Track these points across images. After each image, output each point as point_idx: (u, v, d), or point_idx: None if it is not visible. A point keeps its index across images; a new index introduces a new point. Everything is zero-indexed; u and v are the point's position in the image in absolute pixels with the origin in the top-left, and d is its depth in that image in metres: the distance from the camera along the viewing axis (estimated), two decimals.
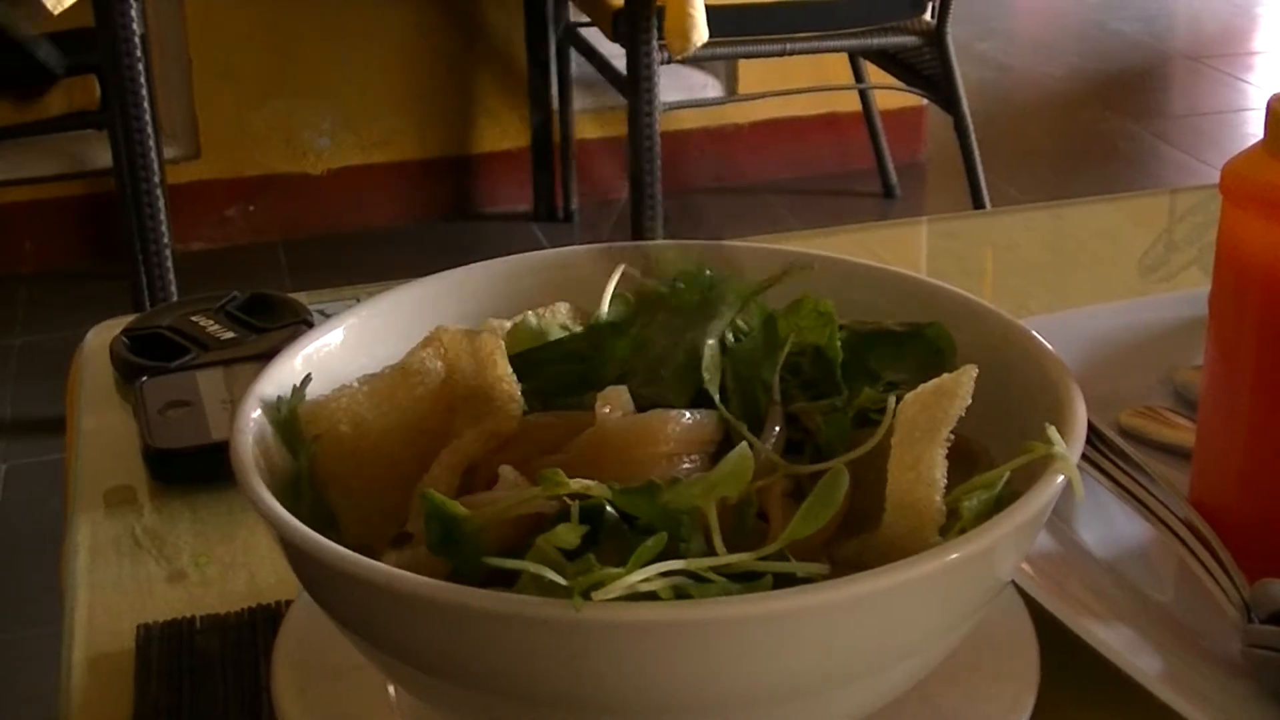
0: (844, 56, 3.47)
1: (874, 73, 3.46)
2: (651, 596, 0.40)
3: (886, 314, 0.53)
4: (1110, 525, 0.61)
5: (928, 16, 3.04)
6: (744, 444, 0.44)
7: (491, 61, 3.66)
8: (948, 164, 3.26)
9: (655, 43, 2.80)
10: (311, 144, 3.62)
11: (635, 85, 2.85)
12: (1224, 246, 0.58)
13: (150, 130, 2.73)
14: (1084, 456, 0.61)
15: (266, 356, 0.60)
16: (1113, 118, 4.16)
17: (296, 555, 0.45)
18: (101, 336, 0.85)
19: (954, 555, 0.41)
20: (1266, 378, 0.56)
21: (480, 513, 0.43)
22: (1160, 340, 0.75)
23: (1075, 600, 0.56)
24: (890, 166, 3.62)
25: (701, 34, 2.71)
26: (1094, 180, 3.67)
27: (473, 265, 0.60)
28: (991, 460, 0.49)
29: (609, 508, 0.42)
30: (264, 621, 0.60)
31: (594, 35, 3.24)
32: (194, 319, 0.83)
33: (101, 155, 3.10)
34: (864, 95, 3.58)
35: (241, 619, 0.61)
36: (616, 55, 3.02)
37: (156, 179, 2.79)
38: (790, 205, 3.62)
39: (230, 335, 0.81)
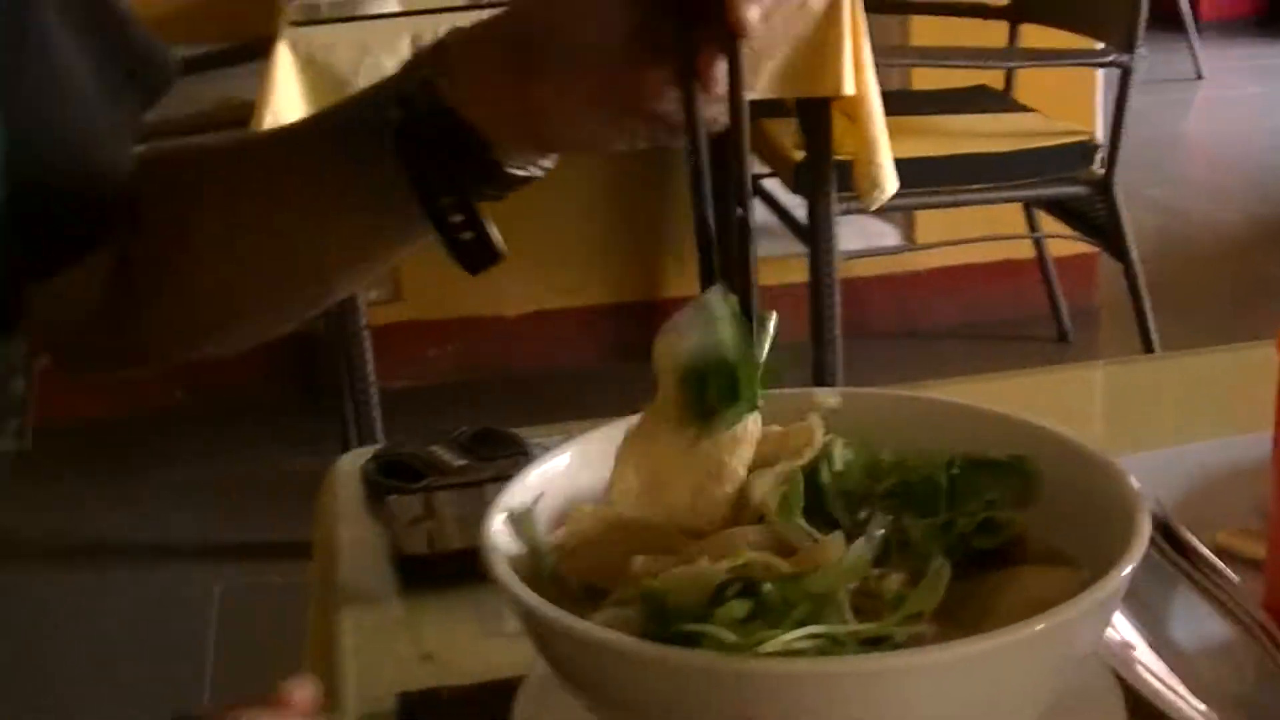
0: (1018, 204, 3.59)
1: (1046, 220, 3.57)
2: (801, 654, 0.54)
3: (1001, 447, 0.66)
4: (1199, 623, 0.74)
5: (1096, 167, 3.15)
6: (862, 543, 0.58)
7: (677, 211, 3.82)
8: (1121, 308, 3.35)
9: (835, 194, 2.93)
10: (507, 288, 3.80)
11: (815, 234, 2.99)
12: None
13: None
14: (1177, 566, 0.74)
15: (493, 480, 0.75)
16: None
17: (536, 623, 0.59)
18: (352, 462, 1.01)
19: (1039, 626, 0.54)
20: None
21: (680, 587, 0.57)
22: (1258, 471, 0.86)
23: (1164, 683, 0.68)
24: (1064, 311, 3.71)
25: (892, 184, 2.84)
26: (1266, 324, 3.71)
27: None
28: (1078, 562, 0.62)
29: (768, 586, 0.56)
30: (500, 692, 0.74)
31: (775, 185, 3.40)
32: (431, 449, 0.98)
33: None
34: (1037, 242, 3.69)
35: (483, 690, 0.75)
36: (797, 205, 3.17)
37: (362, 321, 2.98)
38: (967, 350, 3.72)
39: (462, 463, 0.97)
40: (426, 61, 0.78)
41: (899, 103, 3.32)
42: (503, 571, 0.60)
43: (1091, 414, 1.18)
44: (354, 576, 0.89)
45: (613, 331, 3.89)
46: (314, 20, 2.77)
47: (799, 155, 3.01)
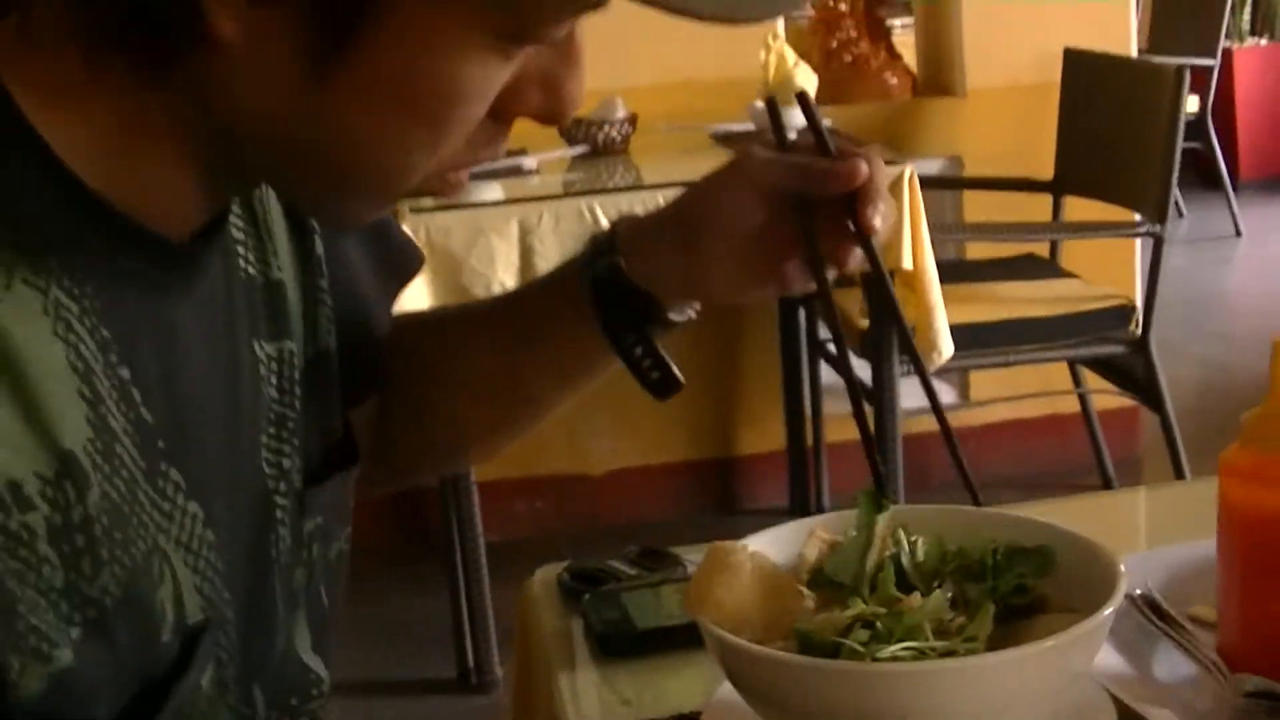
0: (1064, 363, 3.89)
1: (1091, 377, 3.87)
2: (902, 660, 0.86)
3: (1029, 540, 0.99)
4: (1173, 664, 1.05)
5: (1134, 327, 3.47)
6: (938, 594, 0.90)
7: (751, 374, 4.12)
8: (1161, 457, 3.63)
9: (896, 358, 3.26)
10: (591, 448, 4.10)
11: (879, 394, 3.29)
12: (1221, 505, 1.03)
13: None
14: (1159, 628, 1.05)
15: (661, 583, 1.09)
16: None
17: (731, 652, 0.91)
18: (545, 574, 1.33)
19: (1050, 643, 0.86)
20: (1239, 580, 1.01)
21: (821, 627, 0.89)
22: None
23: (1145, 700, 0.99)
24: (1108, 462, 3.98)
25: (948, 348, 3.16)
26: None
27: (805, 519, 1.06)
28: (1080, 611, 0.93)
29: (879, 623, 0.88)
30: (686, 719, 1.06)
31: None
32: (609, 563, 1.31)
33: None
34: (1082, 397, 3.98)
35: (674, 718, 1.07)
36: (861, 367, 3.48)
37: (473, 479, 3.30)
38: (1019, 499, 3.95)
39: (634, 573, 1.30)
40: (605, 246, 1.09)
41: (954, 272, 3.67)
42: (710, 627, 0.93)
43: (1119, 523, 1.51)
44: (561, 652, 1.21)
45: (692, 487, 4.17)
46: (431, 207, 3.13)
47: (864, 323, 3.33)
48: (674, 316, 1.10)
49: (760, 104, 3.71)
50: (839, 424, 4.05)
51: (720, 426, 4.18)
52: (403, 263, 1.19)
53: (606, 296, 1.09)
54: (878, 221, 1.01)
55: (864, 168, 1.01)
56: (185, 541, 0.87)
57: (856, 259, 1.04)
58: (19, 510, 0.75)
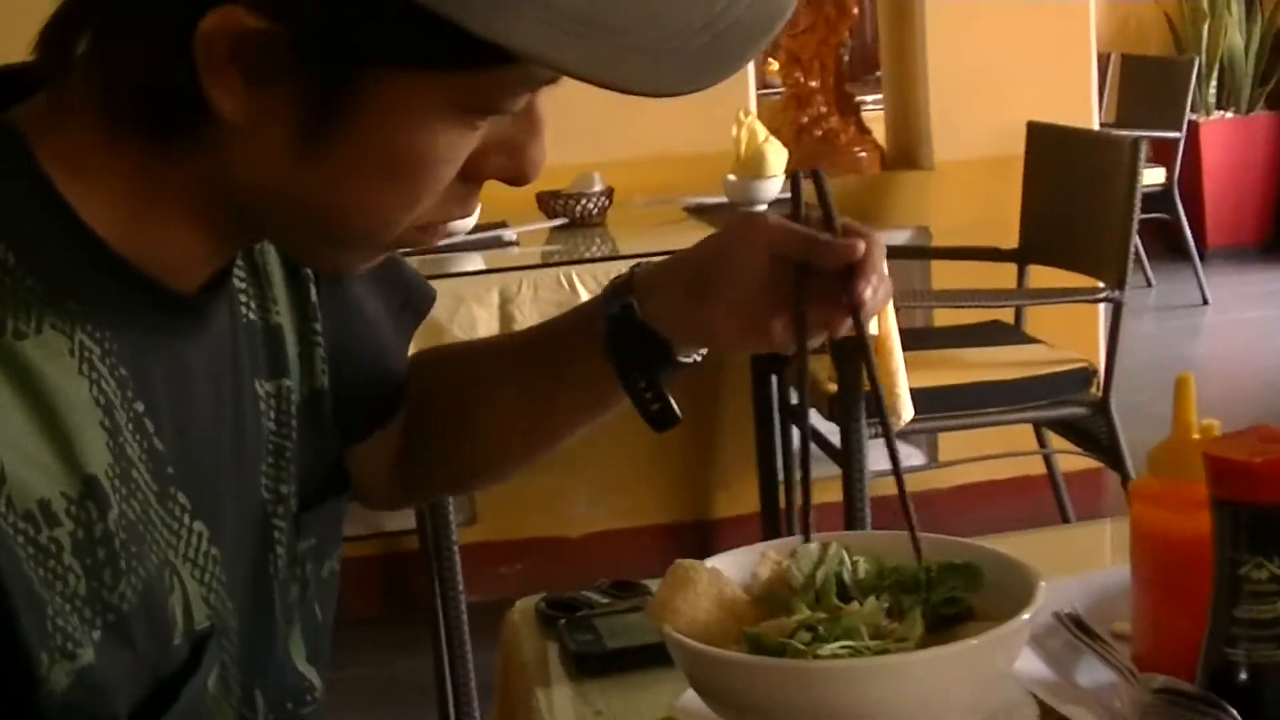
0: (1029, 426, 3.99)
1: (1058, 440, 3.97)
2: (840, 657, 0.96)
3: (959, 558, 1.09)
4: (1095, 673, 1.16)
5: (1095, 390, 3.57)
6: (872, 601, 1.01)
7: (725, 439, 4.22)
8: (1125, 516, 3.70)
9: (864, 421, 3.35)
10: (570, 511, 4.19)
11: (848, 457, 3.37)
12: (1132, 527, 1.14)
13: (448, 503, 3.31)
14: (1084, 642, 1.16)
15: (631, 610, 1.19)
16: None
17: (691, 655, 1.01)
18: (524, 604, 1.44)
19: (974, 643, 0.96)
20: (1148, 592, 1.12)
21: (769, 631, 0.99)
22: None
23: (1067, 701, 1.09)
24: (1074, 520, 4.04)
25: (909, 412, 3.25)
26: None
27: (754, 545, 1.17)
28: (1002, 620, 1.03)
29: (820, 627, 0.98)
30: None
31: (812, 415, 3.81)
32: (582, 593, 1.41)
33: (393, 520, 3.74)
34: (1047, 459, 4.08)
35: None
36: (832, 431, 3.57)
37: (454, 539, 3.38)
38: None
39: (606, 601, 1.40)
40: (623, 288, 1.19)
41: (923, 339, 3.77)
42: (670, 632, 1.03)
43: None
44: (539, 672, 1.32)
45: (668, 548, 4.23)
46: None
47: (832, 387, 3.43)
48: (681, 358, 1.19)
49: (733, 177, 3.82)
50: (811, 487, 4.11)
51: (695, 490, 4.28)
52: (414, 300, 1.28)
53: (619, 333, 1.18)
54: (868, 294, 1.11)
55: (862, 246, 1.11)
56: (192, 557, 0.97)
57: (845, 327, 1.13)
58: (48, 526, 0.85)
